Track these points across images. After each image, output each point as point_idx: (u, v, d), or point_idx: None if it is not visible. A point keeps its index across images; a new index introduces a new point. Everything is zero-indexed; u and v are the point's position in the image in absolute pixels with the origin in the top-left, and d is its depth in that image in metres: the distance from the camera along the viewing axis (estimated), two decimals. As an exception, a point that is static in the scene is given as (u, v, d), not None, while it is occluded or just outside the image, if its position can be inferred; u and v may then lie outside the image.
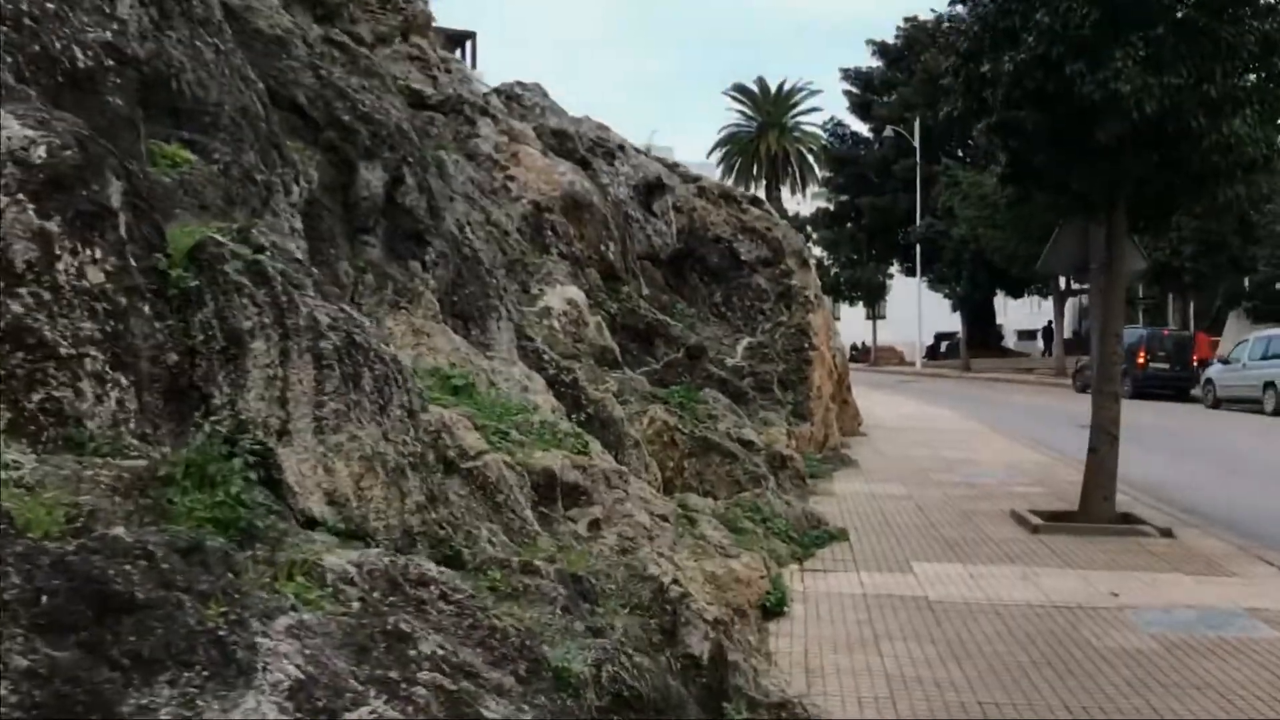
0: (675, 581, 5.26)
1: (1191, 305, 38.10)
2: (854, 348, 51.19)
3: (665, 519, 7.14)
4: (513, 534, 5.09)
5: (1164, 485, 13.22)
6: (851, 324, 58.53)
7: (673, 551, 5.84)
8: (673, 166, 17.09)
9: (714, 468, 9.41)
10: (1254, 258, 35.09)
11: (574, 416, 8.33)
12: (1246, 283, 36.29)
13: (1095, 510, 10.17)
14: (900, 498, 12.08)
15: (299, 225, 6.08)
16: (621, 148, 16.03)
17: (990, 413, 24.59)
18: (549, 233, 13.35)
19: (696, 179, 16.96)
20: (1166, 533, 9.87)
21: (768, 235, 16.78)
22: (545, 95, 15.56)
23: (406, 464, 4.37)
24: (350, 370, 4.27)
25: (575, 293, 12.55)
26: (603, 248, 14.11)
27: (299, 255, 5.23)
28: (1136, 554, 9.09)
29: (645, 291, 15.33)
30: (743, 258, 16.49)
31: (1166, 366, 31.13)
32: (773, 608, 6.86)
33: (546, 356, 8.93)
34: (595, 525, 5.67)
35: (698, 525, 7.37)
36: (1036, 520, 10.17)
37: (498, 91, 15.25)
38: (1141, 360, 31.03)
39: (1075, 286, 45.33)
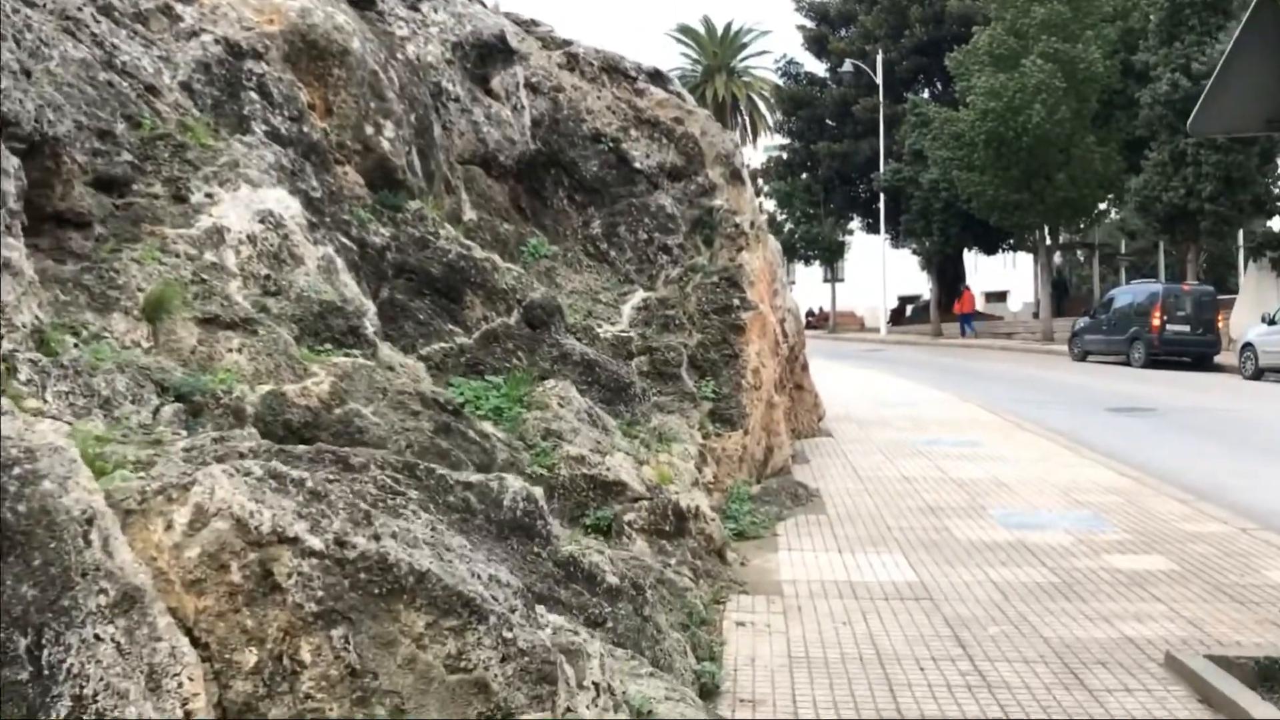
0: None
1: (1196, 257, 32.24)
2: (810, 314, 45.33)
3: None
4: None
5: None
6: (806, 288, 52.45)
7: None
8: (530, 25, 10.92)
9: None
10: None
11: None
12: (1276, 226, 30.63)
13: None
14: (907, 595, 6.10)
15: None
16: (438, -13, 9.83)
17: (987, 391, 18.74)
18: (253, 95, 7.23)
19: (566, 43, 10.80)
20: None
21: (677, 131, 10.68)
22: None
23: None
24: None
25: (283, 202, 6.53)
26: (370, 131, 7.98)
27: None
28: None
29: (469, 215, 9.24)
30: (638, 165, 10.41)
31: (1187, 329, 25.81)
32: None
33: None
34: None
35: None
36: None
37: None
38: (1157, 322, 25.67)
39: (1063, 239, 39.66)
